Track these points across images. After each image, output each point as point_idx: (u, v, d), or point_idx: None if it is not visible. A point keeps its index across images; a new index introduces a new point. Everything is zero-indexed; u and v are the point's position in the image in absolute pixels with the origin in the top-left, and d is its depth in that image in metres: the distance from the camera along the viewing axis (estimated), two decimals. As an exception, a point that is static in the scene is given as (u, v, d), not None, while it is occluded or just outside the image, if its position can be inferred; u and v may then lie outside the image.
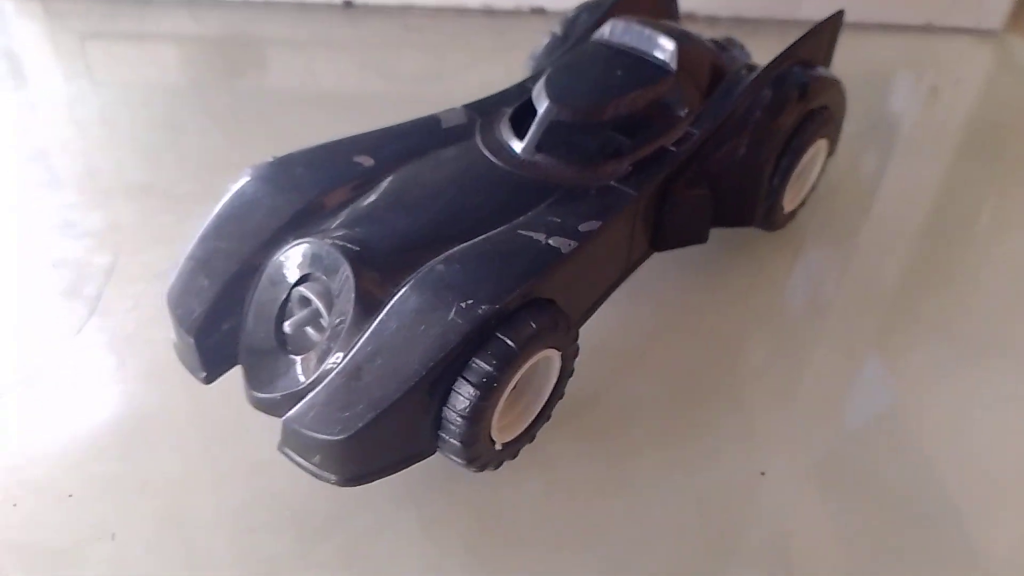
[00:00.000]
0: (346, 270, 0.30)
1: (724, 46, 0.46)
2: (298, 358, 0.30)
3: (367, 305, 0.30)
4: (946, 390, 0.39)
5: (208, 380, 0.32)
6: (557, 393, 0.33)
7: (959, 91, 0.63)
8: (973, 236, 0.49)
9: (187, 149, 0.53)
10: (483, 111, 0.40)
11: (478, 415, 0.29)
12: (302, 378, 0.30)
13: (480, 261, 0.31)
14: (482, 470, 0.31)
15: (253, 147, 0.52)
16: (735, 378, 0.39)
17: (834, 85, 0.44)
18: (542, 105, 0.38)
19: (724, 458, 0.35)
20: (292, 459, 0.29)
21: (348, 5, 0.69)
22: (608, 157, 0.37)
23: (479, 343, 0.29)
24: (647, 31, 0.41)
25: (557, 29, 0.48)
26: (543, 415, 0.33)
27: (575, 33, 0.47)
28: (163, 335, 0.33)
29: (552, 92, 0.38)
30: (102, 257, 0.43)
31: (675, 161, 0.38)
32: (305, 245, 0.31)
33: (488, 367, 0.28)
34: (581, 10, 0.49)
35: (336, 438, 0.27)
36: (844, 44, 0.48)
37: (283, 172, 0.34)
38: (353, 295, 0.30)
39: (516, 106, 0.40)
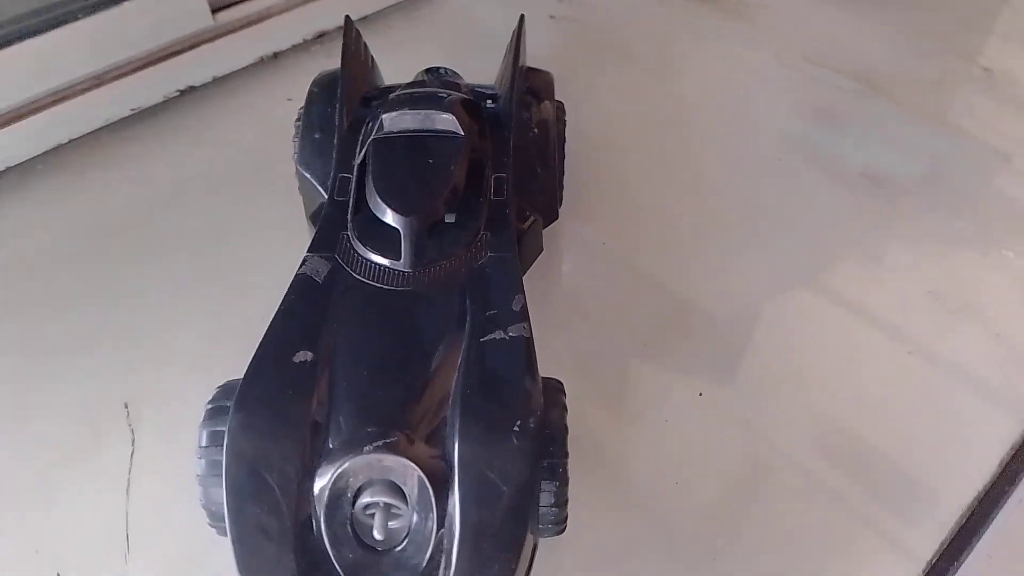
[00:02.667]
0: (401, 462, 0.33)
1: (453, 82, 0.51)
2: (399, 548, 0.33)
3: (434, 473, 0.33)
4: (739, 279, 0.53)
5: None
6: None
7: (576, 9, 0.74)
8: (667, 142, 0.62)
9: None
10: (328, 246, 0.42)
11: (563, 498, 0.35)
12: (419, 562, 0.33)
13: (492, 388, 0.35)
14: None
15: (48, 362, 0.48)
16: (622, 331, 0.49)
17: (550, 78, 0.52)
18: (390, 218, 0.41)
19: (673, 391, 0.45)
20: None
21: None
22: (468, 233, 0.42)
23: (541, 447, 0.34)
24: (421, 113, 0.45)
25: (308, 128, 0.49)
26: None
27: (324, 125, 0.49)
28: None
29: (396, 205, 0.41)
30: None
31: (506, 207, 0.44)
32: (346, 465, 0.33)
33: (556, 460, 0.34)
34: (311, 103, 0.50)
35: None
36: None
37: (258, 412, 0.35)
38: (421, 475, 0.33)
39: (352, 225, 0.43)
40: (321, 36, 0.72)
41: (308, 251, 0.42)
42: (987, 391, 0.48)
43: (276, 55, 0.70)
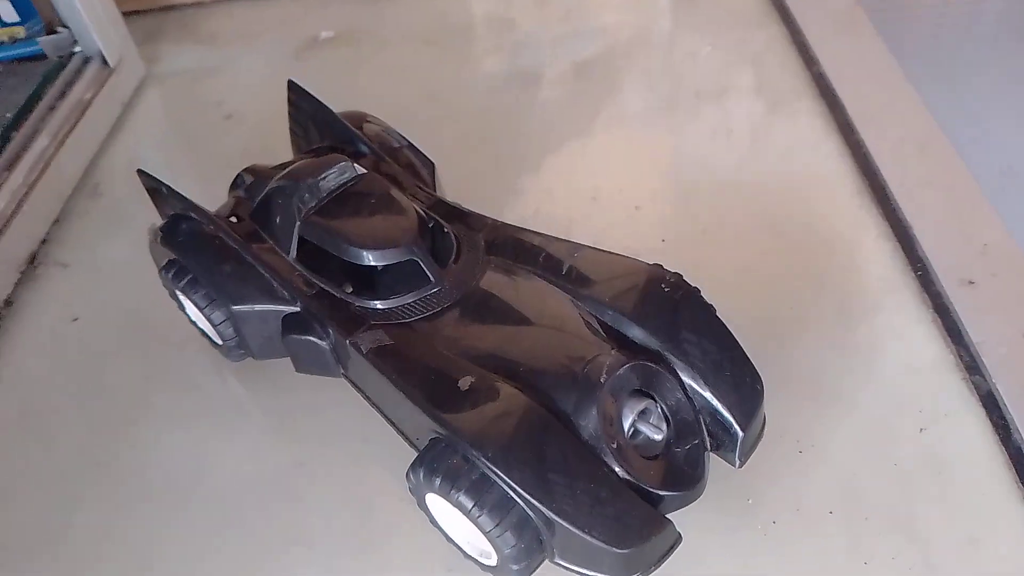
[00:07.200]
0: (628, 367, 0.36)
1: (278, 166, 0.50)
2: (673, 434, 0.37)
3: (650, 360, 0.37)
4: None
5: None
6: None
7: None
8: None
9: None
10: (358, 322, 0.41)
11: None
12: (695, 429, 0.37)
13: (616, 280, 0.40)
14: None
15: None
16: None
17: (353, 112, 0.54)
18: (389, 259, 0.42)
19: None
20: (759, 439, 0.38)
21: None
22: (446, 232, 0.45)
23: None
24: (321, 177, 0.44)
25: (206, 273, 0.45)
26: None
27: (219, 255, 0.45)
28: None
29: (393, 242, 0.42)
30: None
31: (442, 199, 0.48)
32: (598, 404, 0.35)
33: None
34: (179, 258, 0.46)
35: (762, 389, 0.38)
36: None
37: (521, 437, 0.35)
38: (647, 365, 0.37)
39: (354, 296, 0.42)
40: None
41: (344, 338, 0.41)
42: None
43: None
